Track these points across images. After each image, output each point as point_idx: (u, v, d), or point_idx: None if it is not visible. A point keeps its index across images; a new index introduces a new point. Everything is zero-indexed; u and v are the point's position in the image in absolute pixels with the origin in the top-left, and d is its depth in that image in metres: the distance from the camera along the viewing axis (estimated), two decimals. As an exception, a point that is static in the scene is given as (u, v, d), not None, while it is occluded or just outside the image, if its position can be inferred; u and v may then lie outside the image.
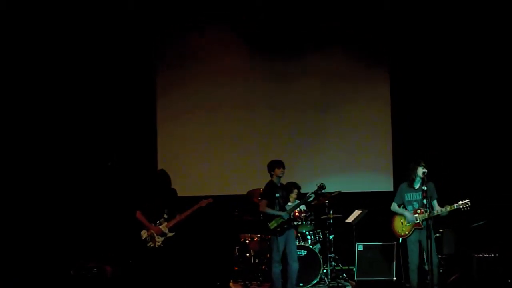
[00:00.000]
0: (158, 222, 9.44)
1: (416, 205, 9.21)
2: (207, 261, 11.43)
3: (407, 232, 9.22)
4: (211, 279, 10.99)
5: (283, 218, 9.59)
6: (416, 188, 9.24)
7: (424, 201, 8.94)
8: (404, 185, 9.39)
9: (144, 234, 9.44)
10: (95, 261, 11.10)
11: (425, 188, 8.95)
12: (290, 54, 12.40)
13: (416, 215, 9.14)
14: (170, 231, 9.41)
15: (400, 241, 9.67)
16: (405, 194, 9.32)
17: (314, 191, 9.75)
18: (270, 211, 9.64)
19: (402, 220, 9.30)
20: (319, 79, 12.40)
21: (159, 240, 9.35)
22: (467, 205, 8.95)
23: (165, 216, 9.46)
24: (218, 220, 11.57)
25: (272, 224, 9.61)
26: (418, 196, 9.17)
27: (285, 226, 9.62)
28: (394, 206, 9.41)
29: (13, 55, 11.87)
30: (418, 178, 9.19)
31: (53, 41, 12.02)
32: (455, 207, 9.01)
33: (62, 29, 11.97)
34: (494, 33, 11.57)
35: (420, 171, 9.11)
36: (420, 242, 9.13)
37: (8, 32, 11.76)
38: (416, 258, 9.17)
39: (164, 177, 9.65)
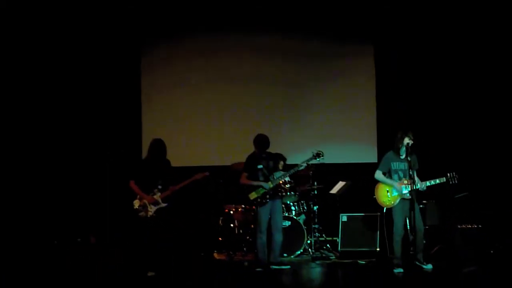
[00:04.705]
0: (152, 192, 9.22)
1: (401, 174, 9.24)
2: (193, 232, 11.42)
3: (392, 202, 9.24)
4: (195, 249, 11.02)
5: (265, 188, 9.59)
6: (402, 158, 9.27)
7: (411, 171, 9.01)
8: (390, 154, 9.36)
9: (137, 203, 9.23)
10: (80, 231, 11.11)
11: (409, 159, 9.01)
12: (275, 28, 12.33)
13: (403, 185, 9.18)
14: (163, 201, 9.22)
15: (384, 210, 9.74)
16: (392, 163, 9.30)
17: (308, 159, 9.67)
18: (251, 182, 9.65)
19: (388, 189, 9.30)
20: (305, 53, 12.38)
21: (151, 209, 9.16)
22: (455, 178, 9.02)
23: (159, 186, 9.25)
24: (203, 190, 11.54)
25: (252, 195, 9.63)
26: (404, 166, 9.22)
27: (267, 196, 9.60)
28: (379, 174, 9.35)
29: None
30: (403, 148, 9.22)
31: (36, 19, 11.89)
32: (438, 181, 9.08)
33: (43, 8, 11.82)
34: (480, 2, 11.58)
35: (406, 141, 9.14)
36: (405, 212, 9.18)
37: None
38: (401, 229, 9.22)
39: (159, 146, 9.33)
